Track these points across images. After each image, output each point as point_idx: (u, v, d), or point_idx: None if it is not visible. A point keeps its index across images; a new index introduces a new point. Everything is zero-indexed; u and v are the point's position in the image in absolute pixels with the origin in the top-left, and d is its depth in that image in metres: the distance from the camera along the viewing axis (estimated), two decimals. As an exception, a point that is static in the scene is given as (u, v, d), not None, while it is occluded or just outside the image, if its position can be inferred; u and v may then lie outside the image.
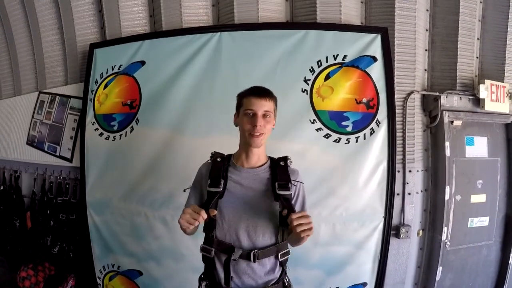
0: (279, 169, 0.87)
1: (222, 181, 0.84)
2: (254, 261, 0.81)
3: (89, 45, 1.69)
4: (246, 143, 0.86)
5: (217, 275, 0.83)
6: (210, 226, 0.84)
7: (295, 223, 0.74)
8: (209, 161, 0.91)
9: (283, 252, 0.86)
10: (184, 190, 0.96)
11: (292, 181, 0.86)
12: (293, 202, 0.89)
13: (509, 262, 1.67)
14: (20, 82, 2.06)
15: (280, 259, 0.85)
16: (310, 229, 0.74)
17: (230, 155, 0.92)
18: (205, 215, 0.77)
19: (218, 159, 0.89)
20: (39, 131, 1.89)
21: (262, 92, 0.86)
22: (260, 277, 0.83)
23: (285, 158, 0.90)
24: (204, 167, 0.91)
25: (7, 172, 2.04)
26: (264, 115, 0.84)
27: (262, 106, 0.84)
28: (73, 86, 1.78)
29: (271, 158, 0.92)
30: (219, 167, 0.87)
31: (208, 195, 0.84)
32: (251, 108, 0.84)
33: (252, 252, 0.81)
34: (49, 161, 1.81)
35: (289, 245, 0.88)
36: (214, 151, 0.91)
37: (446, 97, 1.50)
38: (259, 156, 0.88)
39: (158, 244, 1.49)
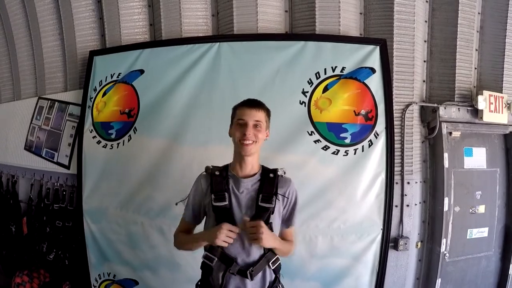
0: (267, 181, 0.89)
1: (226, 194, 0.86)
2: (251, 279, 0.84)
3: (89, 52, 1.70)
4: (239, 153, 0.89)
5: (213, 284, 0.86)
6: None
7: (248, 231, 0.81)
8: (204, 173, 0.92)
9: (273, 260, 0.88)
10: (176, 204, 0.97)
11: (280, 195, 0.88)
12: (283, 212, 0.92)
13: (509, 273, 1.66)
14: (19, 87, 2.06)
15: (272, 267, 0.88)
16: (258, 238, 0.80)
17: (227, 166, 0.93)
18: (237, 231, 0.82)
19: (217, 173, 0.89)
20: (37, 136, 1.89)
21: (253, 103, 0.90)
22: (253, 285, 0.85)
23: (275, 171, 0.91)
24: (203, 180, 0.92)
25: (5, 176, 2.03)
26: (255, 125, 0.87)
27: (253, 116, 0.87)
28: (72, 93, 1.78)
29: (264, 168, 0.93)
30: (220, 181, 0.88)
31: (216, 210, 0.86)
32: (242, 117, 0.88)
33: (247, 271, 0.84)
34: (47, 167, 1.81)
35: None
36: (212, 166, 0.92)
37: (445, 108, 1.50)
38: (252, 165, 0.90)
39: (154, 253, 1.48)
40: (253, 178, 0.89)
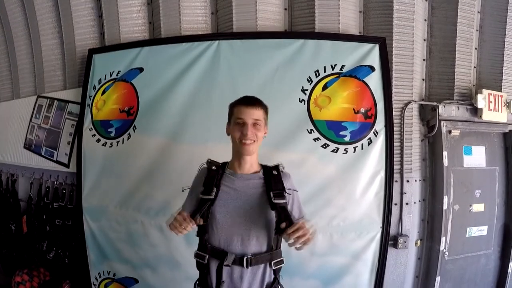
0: (273, 178, 0.89)
1: (215, 189, 0.86)
2: (247, 267, 0.82)
3: (88, 50, 1.69)
4: (238, 151, 0.89)
5: (210, 281, 0.85)
6: (202, 231, 0.87)
7: (293, 236, 0.77)
8: (205, 165, 0.93)
9: (277, 260, 0.87)
10: (183, 190, 0.98)
11: (286, 190, 0.88)
12: (289, 209, 0.91)
13: (508, 271, 1.67)
14: (18, 86, 2.06)
15: (273, 268, 0.87)
16: (307, 240, 0.77)
17: (225, 163, 0.93)
18: (195, 226, 0.80)
19: (213, 168, 0.90)
20: (36, 135, 1.89)
21: (251, 101, 0.89)
22: (252, 284, 0.84)
23: (277, 167, 0.91)
24: (201, 172, 0.93)
25: (4, 175, 2.03)
26: (254, 124, 0.87)
27: (252, 114, 0.86)
28: (72, 91, 1.78)
29: (263, 167, 0.93)
30: (213, 176, 0.89)
31: (200, 202, 0.87)
32: (241, 117, 0.86)
33: (244, 257, 0.83)
34: (46, 165, 1.80)
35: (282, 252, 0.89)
36: (210, 160, 0.93)
37: (444, 106, 1.51)
38: (251, 164, 0.90)
39: (153, 251, 1.48)
40: (255, 175, 0.89)
